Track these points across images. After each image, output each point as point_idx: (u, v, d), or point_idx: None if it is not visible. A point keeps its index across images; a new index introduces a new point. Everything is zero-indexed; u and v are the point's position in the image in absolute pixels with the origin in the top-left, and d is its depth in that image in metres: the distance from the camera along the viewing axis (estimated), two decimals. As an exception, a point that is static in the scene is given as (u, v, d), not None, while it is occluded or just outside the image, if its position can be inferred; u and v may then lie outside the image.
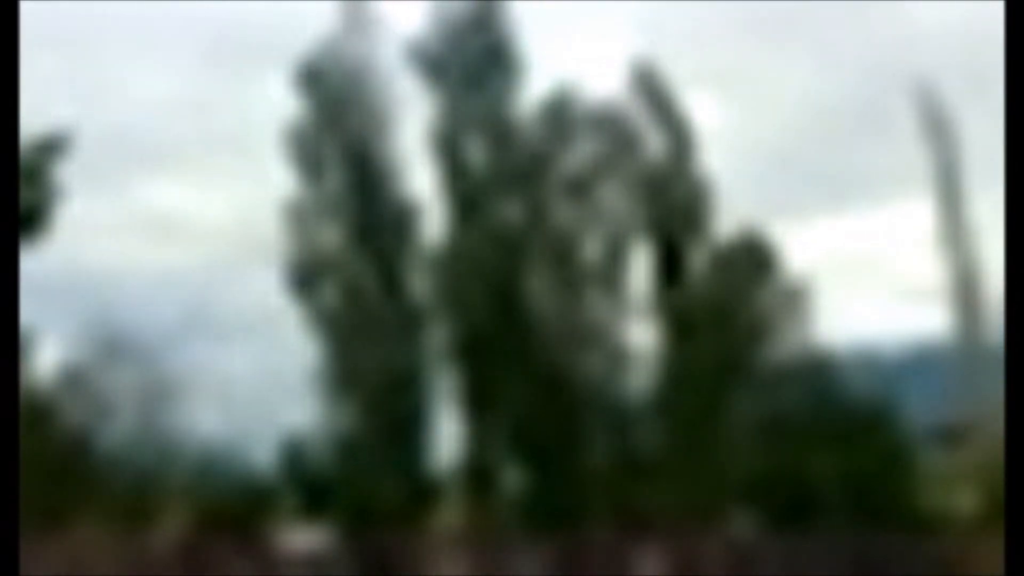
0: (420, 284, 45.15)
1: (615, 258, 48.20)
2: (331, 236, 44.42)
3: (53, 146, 22.11)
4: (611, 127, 49.18)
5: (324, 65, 44.86)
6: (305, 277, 43.79)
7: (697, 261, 50.36)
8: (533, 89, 47.40)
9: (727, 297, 50.75)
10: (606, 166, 48.72)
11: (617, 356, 47.97)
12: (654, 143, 50.20)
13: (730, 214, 51.05)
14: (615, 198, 48.72)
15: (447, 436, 44.74)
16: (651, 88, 50.33)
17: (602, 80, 49.78)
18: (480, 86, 45.88)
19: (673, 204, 49.62)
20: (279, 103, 44.84)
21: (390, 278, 44.56)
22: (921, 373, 54.27)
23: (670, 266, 49.49)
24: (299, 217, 44.21)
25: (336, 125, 44.73)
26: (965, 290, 35.98)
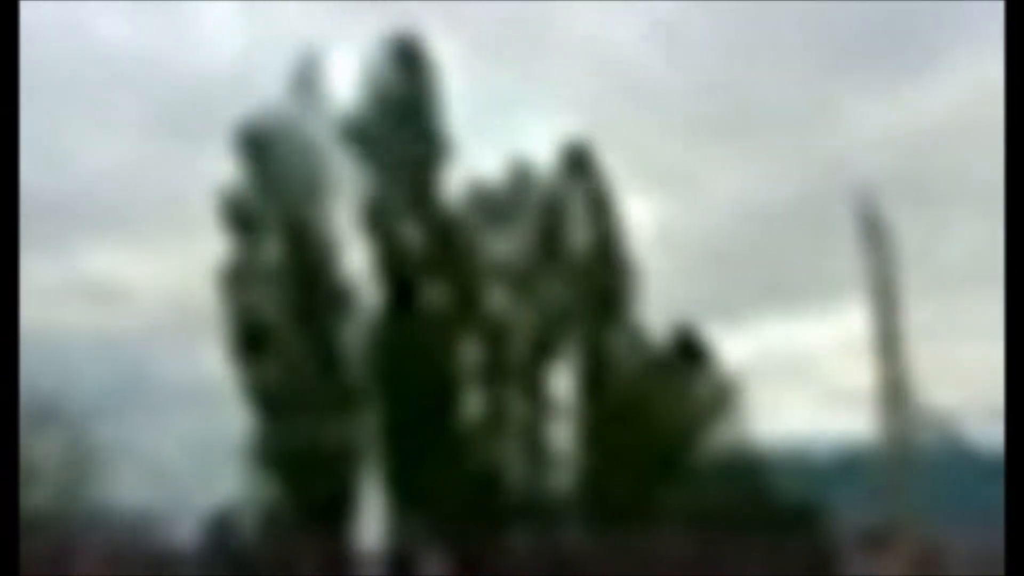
0: (355, 364, 44.98)
1: (543, 349, 48.20)
2: (269, 307, 44.25)
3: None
4: (542, 211, 49.31)
5: (265, 133, 44.89)
6: (242, 347, 43.55)
7: (625, 354, 50.39)
8: (465, 170, 47.72)
9: (657, 392, 50.80)
10: (536, 252, 48.83)
11: (543, 450, 47.86)
12: (582, 230, 50.39)
13: (664, 311, 51.28)
14: (544, 288, 48.80)
15: (371, 518, 44.47)
16: (583, 172, 50.55)
17: (542, 161, 50.08)
18: (410, 167, 45.91)
19: (599, 293, 49.72)
20: (222, 172, 44.87)
21: (326, 356, 44.37)
22: (849, 476, 54.45)
23: (594, 358, 49.50)
24: (235, 286, 44.04)
25: (275, 194, 44.71)
26: (895, 396, 36.22)
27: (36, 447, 42.86)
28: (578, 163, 50.55)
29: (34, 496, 42.66)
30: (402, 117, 46.26)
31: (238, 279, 44.17)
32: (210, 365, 43.72)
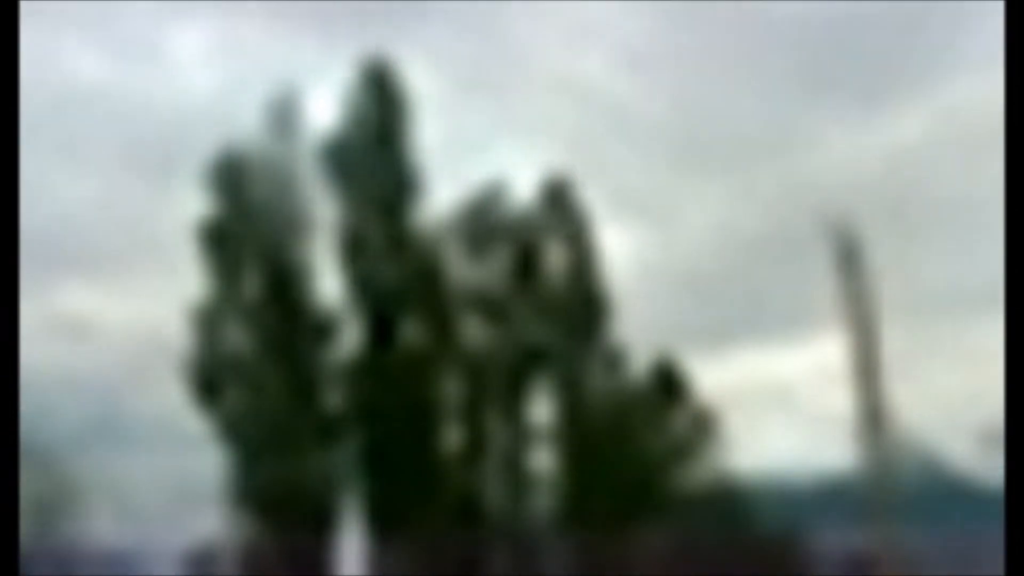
0: (333, 396, 44.81)
1: (521, 378, 48.12)
2: (242, 342, 44.07)
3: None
4: (519, 241, 49.32)
5: (241, 165, 44.80)
6: (210, 383, 43.31)
7: (603, 383, 50.35)
8: (442, 201, 47.68)
9: (636, 421, 50.75)
10: (513, 282, 48.81)
11: (522, 477, 47.74)
12: (558, 260, 50.40)
13: (643, 340, 51.23)
14: (520, 317, 48.75)
15: (352, 549, 44.18)
16: (560, 203, 50.58)
17: (518, 191, 50.10)
18: (386, 198, 45.83)
19: (576, 322, 49.70)
20: (198, 206, 44.71)
21: (303, 388, 44.18)
22: (830, 503, 54.44)
23: (572, 387, 49.45)
24: (209, 322, 43.85)
25: (252, 226, 44.57)
26: (874, 422, 36.15)
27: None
28: (556, 193, 50.56)
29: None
30: (378, 148, 46.16)
31: (213, 313, 43.96)
32: (186, 401, 43.44)
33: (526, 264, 49.37)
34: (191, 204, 44.81)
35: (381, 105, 46.67)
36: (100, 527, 44.37)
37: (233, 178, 44.76)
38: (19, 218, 14.50)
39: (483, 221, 48.92)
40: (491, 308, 48.14)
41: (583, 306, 50.13)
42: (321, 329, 44.86)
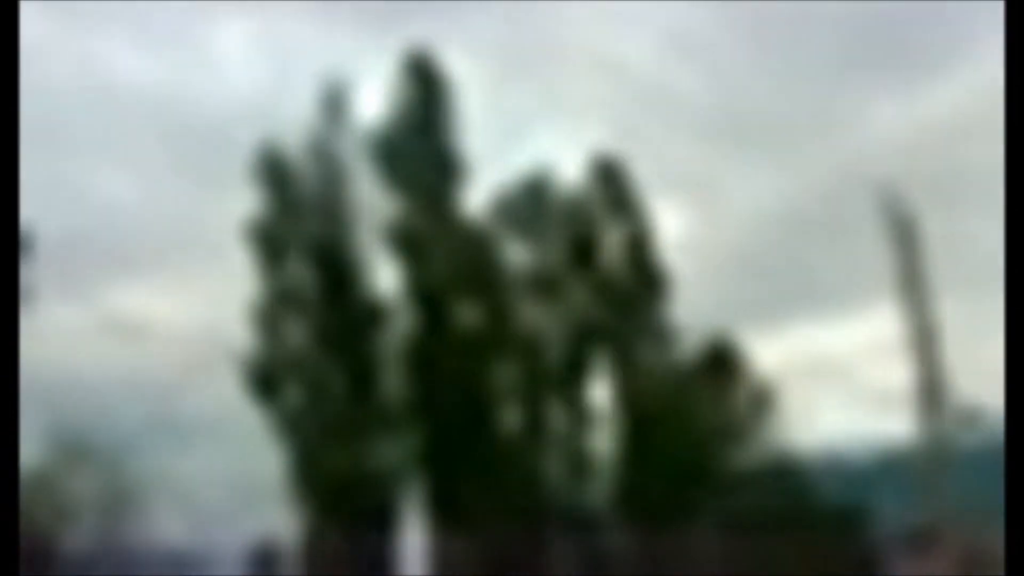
0: (390, 386, 44.91)
1: (576, 361, 48.12)
2: (297, 336, 44.24)
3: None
4: (570, 222, 49.32)
5: (287, 159, 44.97)
6: (268, 379, 43.51)
7: (658, 362, 50.29)
8: (490, 185, 47.77)
9: (691, 400, 50.65)
10: (565, 263, 48.80)
11: (581, 462, 47.74)
12: (613, 241, 50.36)
13: (696, 318, 51.13)
14: (575, 298, 48.75)
15: (414, 539, 44.31)
16: (612, 183, 50.53)
17: (566, 174, 50.10)
18: (434, 186, 45.90)
19: (630, 302, 49.67)
20: (246, 202, 44.91)
21: (359, 379, 44.30)
22: (888, 478, 54.18)
23: (627, 367, 49.40)
24: (264, 318, 44.03)
25: (300, 219, 44.74)
26: (931, 394, 35.97)
27: (73, 486, 42.97)
28: (606, 173, 50.52)
29: (72, 535, 42.74)
30: (424, 138, 46.22)
31: (267, 309, 44.16)
32: (244, 398, 43.66)
33: (580, 244, 49.35)
34: (241, 201, 45.02)
35: (425, 95, 46.73)
36: (163, 526, 44.69)
37: (280, 173, 44.93)
38: (19, 217, 14.57)
39: (534, 203, 48.92)
40: (546, 290, 48.16)
41: (639, 285, 50.09)
42: (375, 320, 44.96)
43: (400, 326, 45.24)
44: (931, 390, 35.83)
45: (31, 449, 42.27)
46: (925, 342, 36.30)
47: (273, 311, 44.15)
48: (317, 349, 44.18)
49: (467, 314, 45.87)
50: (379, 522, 43.47)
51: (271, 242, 44.45)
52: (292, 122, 45.22)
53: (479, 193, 47.18)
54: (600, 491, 48.50)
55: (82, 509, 42.93)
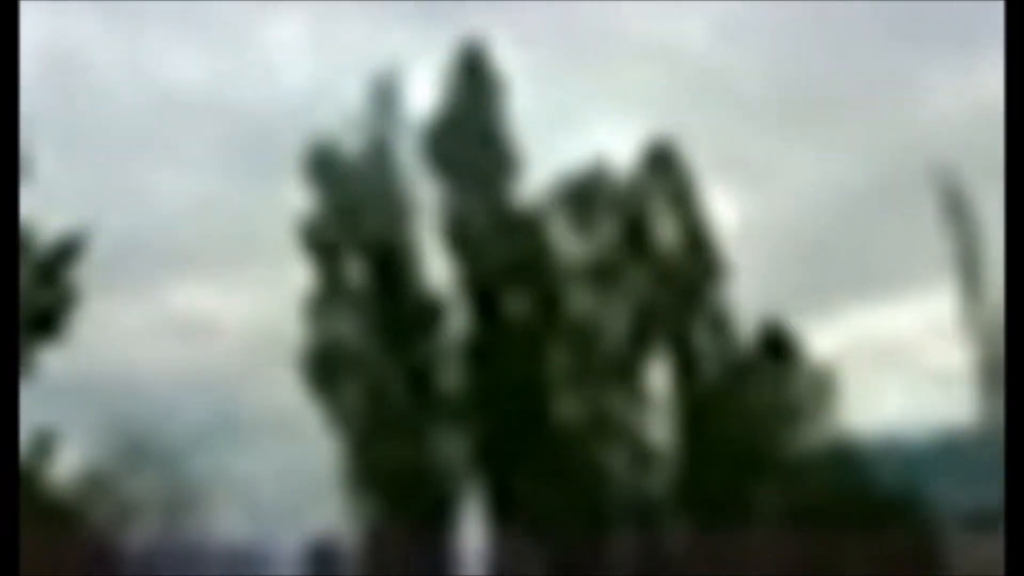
0: (446, 378, 44.98)
1: (633, 349, 48.02)
2: (353, 331, 44.37)
3: (70, 248, 22.18)
4: (625, 208, 49.22)
5: (338, 155, 45.09)
6: (325, 375, 43.66)
7: (715, 349, 50.15)
8: (543, 175, 47.72)
9: (748, 387, 50.49)
10: (621, 249, 48.71)
11: (639, 451, 47.64)
12: (669, 227, 50.24)
13: (751, 304, 50.94)
14: (631, 285, 48.66)
15: (473, 532, 44.41)
16: (667, 170, 50.41)
17: (619, 162, 49.99)
18: (487, 179, 45.92)
19: (687, 288, 49.54)
20: (299, 200, 45.07)
21: (416, 373, 44.40)
22: (949, 460, 53.82)
23: (684, 353, 49.28)
24: (319, 314, 44.19)
25: (353, 215, 44.85)
26: (990, 375, 35.71)
27: (134, 485, 43.29)
28: (660, 159, 50.40)
29: (134, 534, 43.07)
30: (476, 130, 46.24)
31: (322, 305, 44.32)
32: (302, 394, 43.85)
33: (635, 231, 49.25)
34: (295, 198, 45.18)
35: (478, 88, 46.74)
36: (225, 524, 44.94)
37: (333, 169, 45.05)
38: (19, 216, 14.65)
39: (588, 191, 48.84)
40: (602, 279, 48.09)
41: (696, 271, 49.97)
42: (430, 313, 45.04)
43: (455, 320, 45.31)
44: (989, 371, 35.59)
45: (91, 449, 42.70)
46: (983, 323, 36.04)
47: (328, 307, 44.30)
48: (373, 344, 44.30)
49: (522, 306, 45.87)
50: (438, 518, 43.57)
51: (325, 238, 44.58)
52: (344, 118, 45.37)
53: (533, 184, 47.20)
54: (660, 482, 48.37)
55: (143, 508, 43.24)
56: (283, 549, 45.74)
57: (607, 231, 48.88)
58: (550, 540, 43.59)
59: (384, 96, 45.55)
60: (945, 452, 56.37)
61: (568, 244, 48.11)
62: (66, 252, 22.62)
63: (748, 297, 50.83)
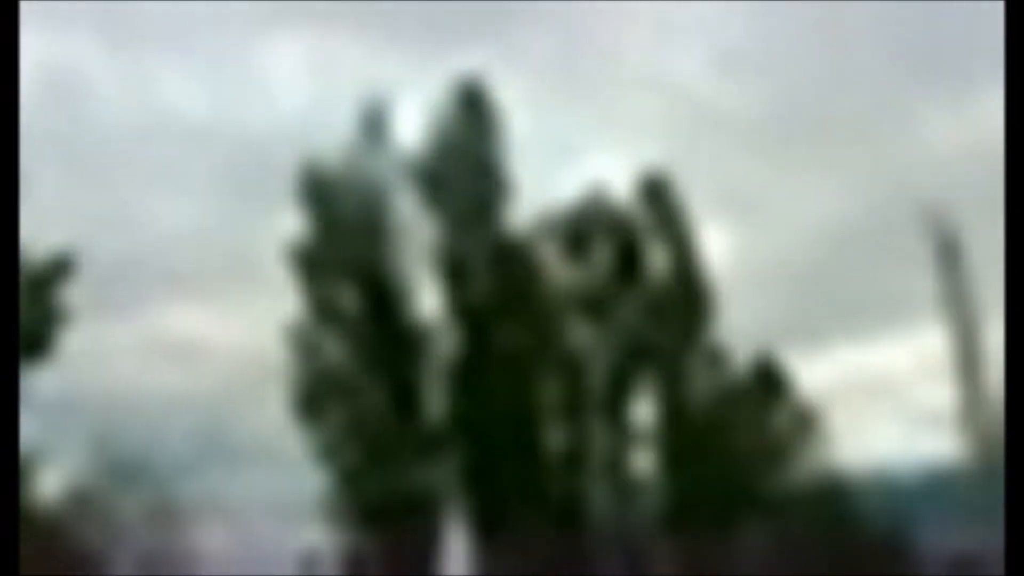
0: (433, 406, 44.98)
1: (622, 380, 48.06)
2: (341, 358, 44.34)
3: (58, 269, 22.22)
4: (617, 240, 49.29)
5: (330, 180, 45.10)
6: (312, 400, 43.64)
7: (705, 381, 50.21)
8: (536, 204, 47.75)
9: (738, 420, 50.56)
10: (612, 281, 48.78)
11: (627, 480, 47.66)
12: (660, 259, 50.34)
13: (742, 337, 51.06)
14: (622, 316, 48.71)
15: (457, 562, 44.31)
16: (660, 202, 50.52)
17: (613, 193, 50.08)
18: (479, 208, 45.95)
19: (678, 320, 49.60)
20: (290, 225, 45.09)
21: (403, 400, 44.39)
22: (936, 498, 53.88)
23: (673, 386, 49.33)
24: (308, 340, 44.18)
25: (343, 241, 44.85)
26: (978, 415, 35.80)
27: (120, 505, 43.20)
28: (654, 191, 50.53)
29: (120, 554, 42.97)
30: (469, 161, 46.27)
31: (311, 331, 44.30)
32: (289, 419, 43.83)
33: (628, 263, 49.34)
34: (285, 222, 45.21)
35: (472, 115, 46.80)
36: (209, 546, 44.84)
37: (323, 194, 45.07)
38: (19, 219, 14.64)
39: (581, 222, 48.94)
40: (592, 309, 48.15)
41: (686, 304, 50.07)
42: (419, 340, 45.04)
43: (443, 347, 45.32)
44: (978, 410, 35.65)
45: (80, 468, 42.62)
46: (972, 362, 36.12)
47: (317, 332, 44.30)
48: (360, 370, 44.29)
49: (511, 334, 45.89)
50: (423, 543, 43.53)
51: (314, 263, 44.59)
52: (336, 144, 45.41)
53: (526, 213, 47.26)
54: (645, 511, 48.40)
55: (129, 528, 43.16)
56: (267, 572, 45.62)
57: (599, 261, 48.98)
58: (534, 566, 43.55)
59: (376, 124, 45.57)
60: (933, 489, 56.50)
61: (560, 274, 48.18)
62: (56, 272, 22.67)
63: (739, 331, 50.99)
